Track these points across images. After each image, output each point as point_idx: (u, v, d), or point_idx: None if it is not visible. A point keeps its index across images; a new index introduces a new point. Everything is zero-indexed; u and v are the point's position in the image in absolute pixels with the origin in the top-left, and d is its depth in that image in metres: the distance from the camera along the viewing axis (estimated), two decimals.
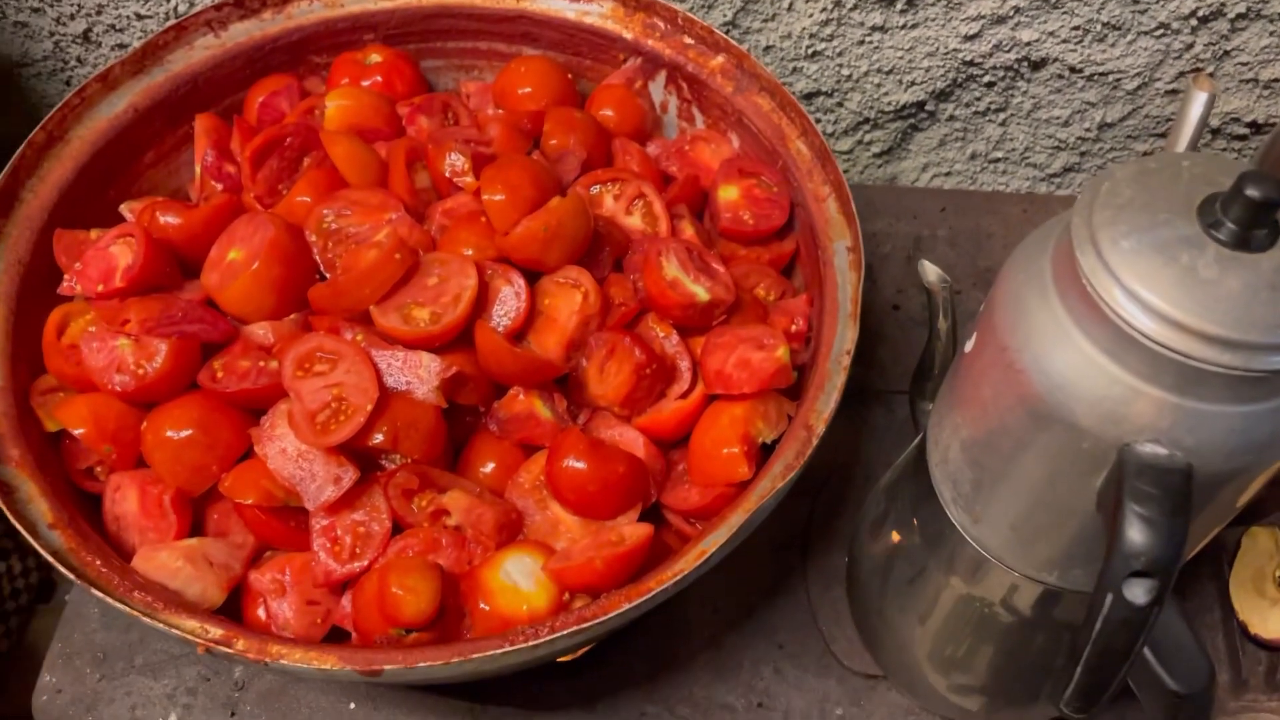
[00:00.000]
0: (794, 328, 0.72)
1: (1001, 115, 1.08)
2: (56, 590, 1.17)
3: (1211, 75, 0.99)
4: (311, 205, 0.72)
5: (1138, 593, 0.44)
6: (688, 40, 0.82)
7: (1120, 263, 0.43)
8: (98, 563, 0.60)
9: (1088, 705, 0.49)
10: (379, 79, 0.82)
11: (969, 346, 0.53)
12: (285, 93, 0.81)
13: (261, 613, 0.63)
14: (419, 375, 0.65)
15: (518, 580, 0.61)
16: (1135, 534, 0.43)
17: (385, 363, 0.65)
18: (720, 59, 0.81)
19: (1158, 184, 0.45)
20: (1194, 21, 0.96)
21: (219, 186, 0.77)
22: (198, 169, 0.79)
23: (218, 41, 0.81)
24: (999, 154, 1.12)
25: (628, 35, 0.83)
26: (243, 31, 0.81)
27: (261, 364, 0.66)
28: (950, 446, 0.56)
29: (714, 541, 0.59)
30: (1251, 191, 0.42)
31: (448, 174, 0.74)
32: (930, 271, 0.66)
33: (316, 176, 0.74)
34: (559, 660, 0.73)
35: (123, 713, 0.73)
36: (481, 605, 0.61)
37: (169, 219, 0.70)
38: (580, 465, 0.64)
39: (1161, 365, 0.43)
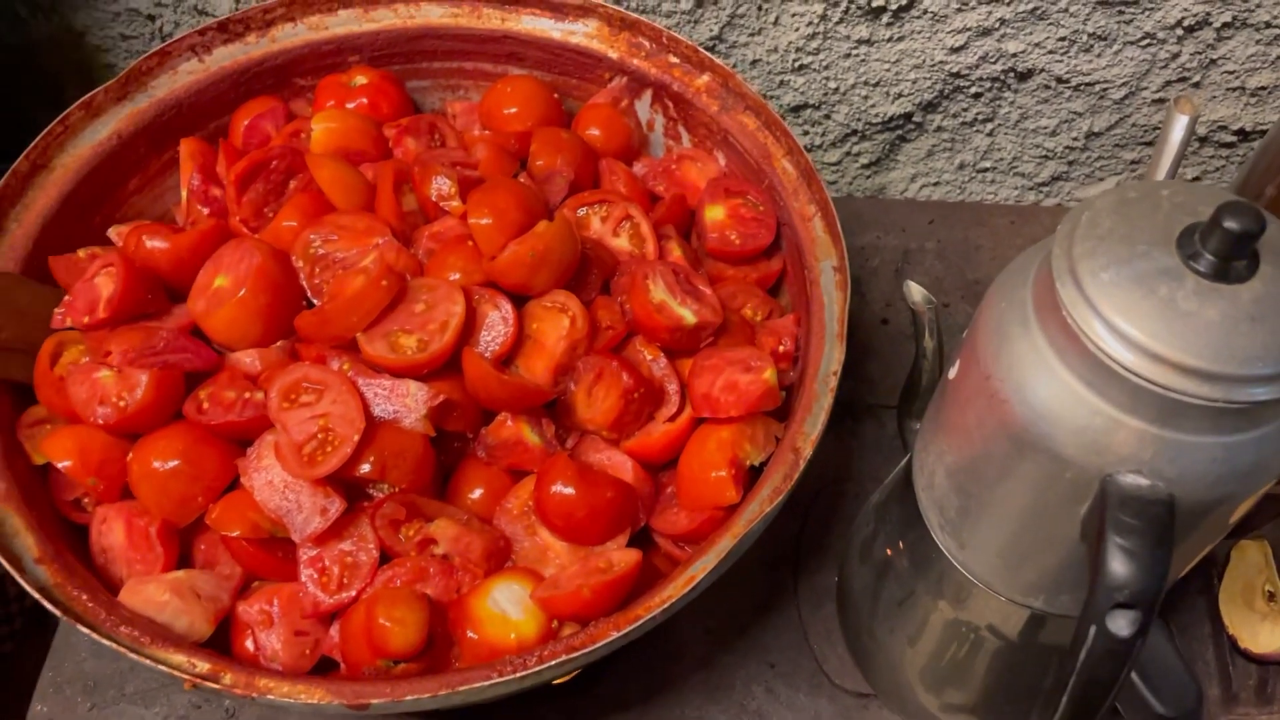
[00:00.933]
0: (781, 348, 0.72)
1: (989, 125, 1.08)
2: (47, 617, 1.17)
3: (1193, 90, 0.99)
4: (298, 230, 0.72)
5: (1121, 624, 0.44)
6: (673, 59, 0.82)
7: (1100, 295, 0.43)
8: (84, 598, 0.59)
9: None
10: (365, 101, 0.82)
11: (953, 373, 0.53)
12: (270, 115, 0.81)
13: (250, 644, 0.63)
14: (406, 404, 0.65)
15: (506, 609, 0.61)
16: (1118, 566, 0.43)
17: (372, 392, 0.65)
18: (706, 78, 0.81)
19: (1137, 214, 0.45)
20: (1180, 31, 0.96)
21: (205, 211, 0.77)
22: (184, 194, 0.79)
23: (202, 66, 0.80)
24: (987, 164, 1.12)
25: (613, 55, 0.83)
26: (227, 55, 0.81)
27: (247, 395, 0.65)
28: (936, 472, 0.56)
29: (702, 567, 0.59)
30: (1229, 224, 0.42)
31: (434, 198, 0.74)
32: (915, 292, 0.66)
33: (303, 200, 0.74)
34: (552, 683, 0.74)
35: None
36: (470, 634, 0.61)
37: (155, 243, 0.70)
38: (568, 491, 0.64)
39: (1142, 397, 0.43)
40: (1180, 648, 0.77)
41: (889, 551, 0.65)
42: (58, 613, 0.58)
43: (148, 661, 0.57)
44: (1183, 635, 0.77)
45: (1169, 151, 0.57)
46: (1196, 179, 1.13)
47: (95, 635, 0.57)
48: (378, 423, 0.64)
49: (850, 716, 0.74)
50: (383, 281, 0.66)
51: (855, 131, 1.09)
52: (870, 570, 0.68)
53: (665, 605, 0.58)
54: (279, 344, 0.69)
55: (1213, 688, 0.75)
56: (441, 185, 0.73)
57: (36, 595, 0.58)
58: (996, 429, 0.49)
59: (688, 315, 0.69)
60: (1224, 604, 0.77)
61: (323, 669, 0.65)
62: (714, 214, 0.78)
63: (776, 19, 0.98)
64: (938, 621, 0.62)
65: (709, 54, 0.80)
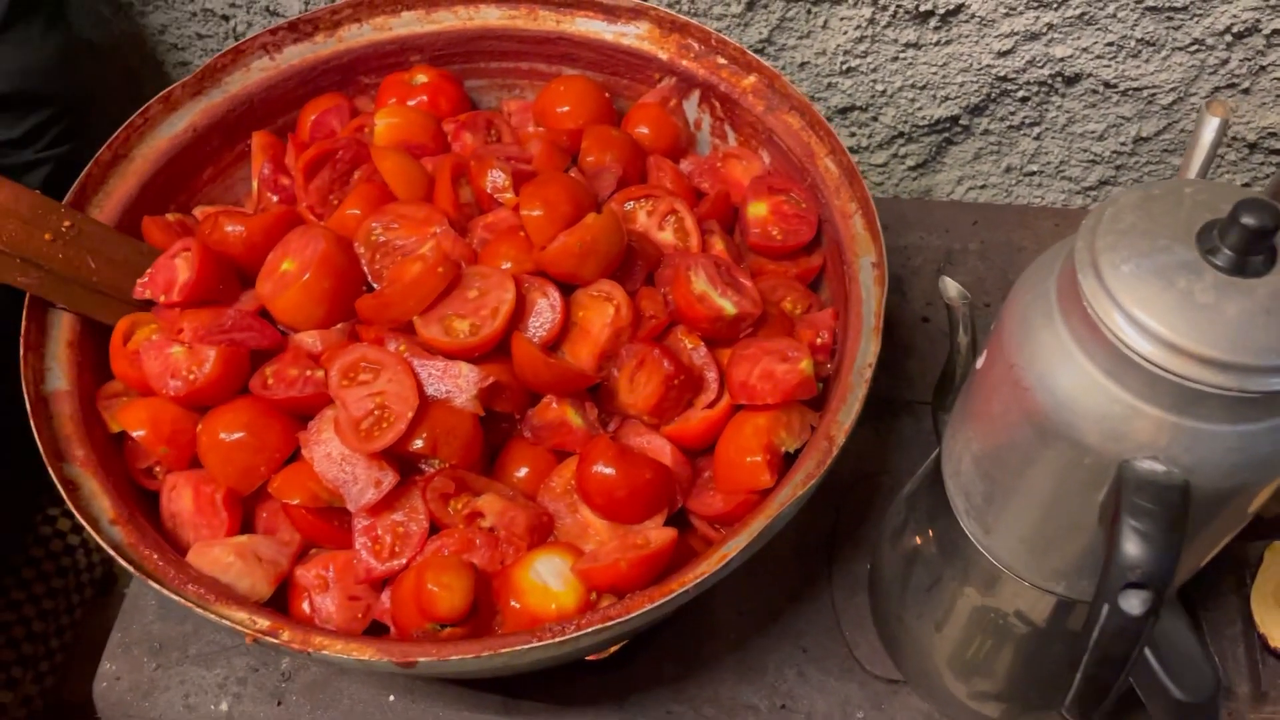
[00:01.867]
0: (819, 340, 0.74)
1: (1036, 129, 1.09)
2: (116, 584, 1.22)
3: (1242, 96, 0.99)
4: (361, 218, 0.76)
5: (1134, 603, 0.46)
6: (721, 61, 0.85)
7: (1120, 287, 0.45)
8: (155, 556, 0.64)
9: (1088, 712, 0.51)
10: (425, 98, 0.86)
11: (980, 363, 0.55)
12: (336, 111, 0.85)
13: (306, 606, 0.67)
14: (458, 384, 0.68)
15: (547, 580, 0.64)
16: (1131, 547, 0.45)
17: (426, 372, 0.68)
18: (752, 79, 0.84)
19: (1159, 210, 0.47)
20: (1229, 38, 0.96)
21: (274, 199, 0.81)
22: (254, 184, 0.83)
23: (273, 63, 0.85)
24: (1034, 167, 1.13)
25: (663, 56, 0.86)
26: (296, 54, 0.85)
27: (309, 373, 0.69)
28: (963, 459, 0.58)
29: (735, 546, 0.62)
30: (1247, 219, 0.43)
31: (489, 190, 0.77)
32: (950, 287, 0.67)
33: (366, 190, 0.78)
34: (590, 659, 0.76)
35: (177, 700, 0.78)
36: (512, 603, 0.64)
37: (231, 227, 0.74)
38: (609, 471, 0.66)
39: (1160, 386, 0.45)
40: (1207, 640, 0.77)
41: (918, 539, 0.67)
42: (131, 569, 0.62)
43: (213, 616, 0.60)
44: (1214, 634, 0.78)
45: (1200, 152, 0.58)
46: (1246, 185, 1.13)
47: (165, 591, 0.61)
48: (430, 401, 0.67)
49: (879, 702, 0.76)
50: (439, 268, 0.69)
51: (902, 134, 1.11)
52: (900, 558, 0.70)
53: (698, 580, 0.60)
54: (339, 326, 0.73)
55: (1242, 686, 0.76)
56: (496, 178, 0.77)
57: (111, 552, 0.62)
58: (1020, 416, 0.51)
59: (728, 306, 0.72)
60: (1255, 604, 0.77)
61: (373, 634, 0.68)
62: (757, 210, 0.80)
63: (825, 22, 1.00)
64: (965, 607, 0.64)
65: (756, 55, 0.83)
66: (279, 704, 0.77)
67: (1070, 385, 0.48)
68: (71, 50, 0.97)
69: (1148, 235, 0.46)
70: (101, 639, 0.82)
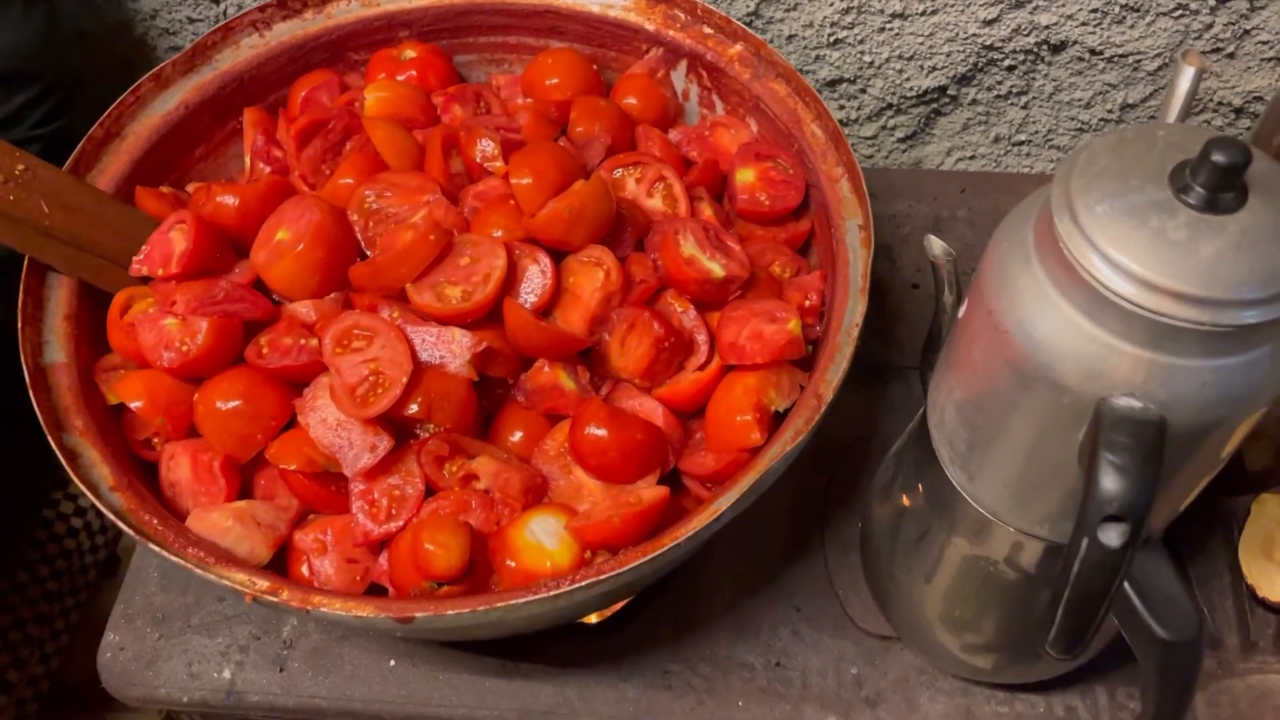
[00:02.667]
0: (808, 303, 0.75)
1: (1023, 98, 1.09)
2: (120, 566, 1.24)
3: (1227, 60, 1.00)
4: (354, 186, 0.76)
5: (1112, 536, 0.47)
6: (707, 30, 0.86)
7: (1095, 227, 0.46)
8: (155, 521, 0.65)
9: (1070, 647, 0.52)
10: (414, 73, 0.87)
11: (962, 312, 0.56)
12: (326, 87, 0.86)
13: (305, 570, 0.68)
14: (451, 350, 0.69)
15: (542, 539, 0.65)
16: (1109, 481, 0.46)
17: (420, 338, 0.69)
18: (738, 47, 0.84)
19: (1132, 153, 0.48)
20: (1212, 2, 0.97)
21: (267, 169, 0.82)
22: (246, 159, 0.84)
23: (262, 41, 0.85)
24: (1022, 137, 1.14)
25: (649, 27, 0.87)
26: (285, 31, 0.86)
27: (303, 341, 0.70)
28: (946, 408, 0.59)
29: (726, 500, 0.63)
30: (1217, 157, 0.44)
31: (479, 159, 0.78)
32: (935, 245, 0.68)
33: (359, 160, 0.79)
34: (589, 621, 0.77)
35: (180, 669, 0.79)
36: (508, 562, 0.65)
37: (224, 199, 0.75)
38: (601, 432, 0.67)
39: (1135, 323, 0.46)
40: (1195, 589, 0.78)
41: (906, 494, 0.68)
42: (132, 534, 0.63)
43: (213, 578, 0.61)
44: (1203, 587, 0.79)
45: (1177, 100, 0.59)
46: None
47: (166, 554, 0.62)
48: (424, 367, 0.68)
49: (873, 658, 0.77)
50: (431, 236, 0.70)
51: (890, 105, 1.12)
52: (890, 513, 0.71)
53: (690, 534, 0.61)
54: (333, 295, 0.74)
55: (1231, 636, 0.77)
56: (486, 147, 0.77)
57: (112, 517, 0.63)
58: (1000, 362, 0.51)
59: (716, 269, 0.73)
60: (1243, 555, 0.78)
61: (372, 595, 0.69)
62: (744, 177, 0.81)
63: None
64: (954, 557, 0.65)
65: (741, 24, 0.84)
66: (281, 670, 0.78)
67: (1048, 327, 0.49)
68: (55, 29, 0.98)
69: (1121, 177, 0.47)
70: (106, 620, 0.83)
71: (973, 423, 0.56)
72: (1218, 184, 0.45)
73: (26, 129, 0.93)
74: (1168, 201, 0.46)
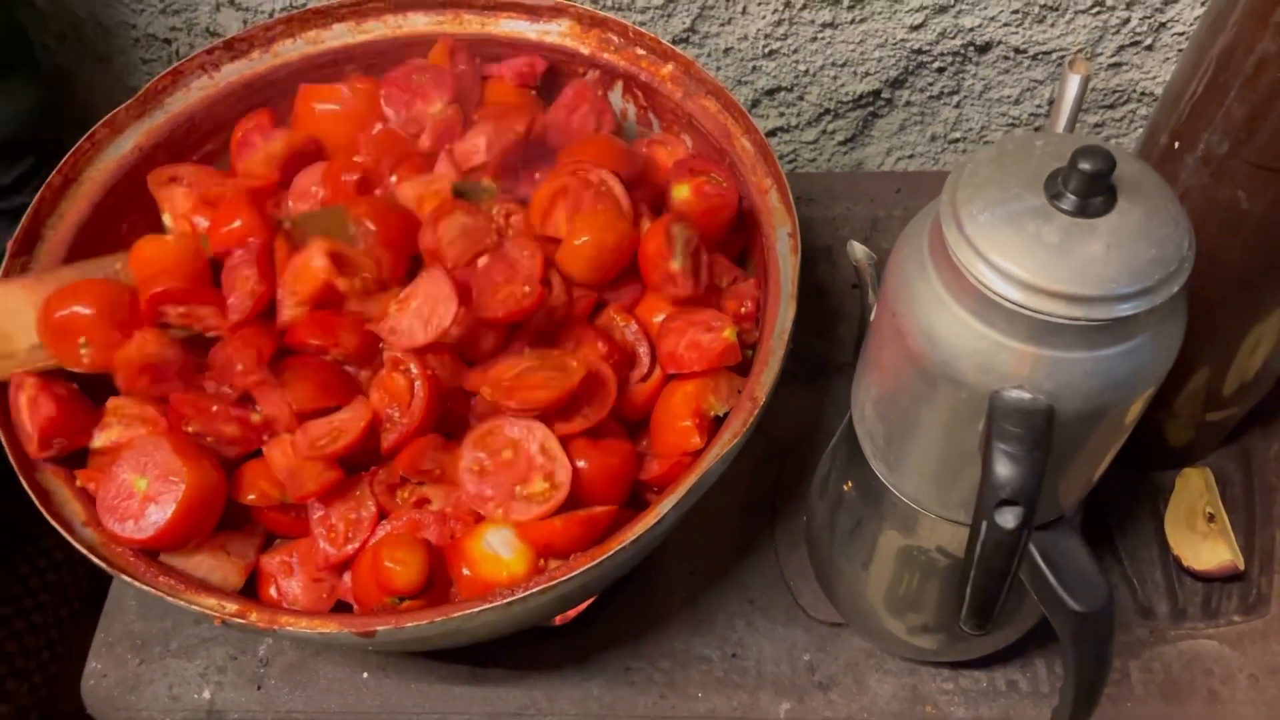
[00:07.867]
0: (744, 310, 0.79)
1: (955, 98, 1.14)
2: (105, 599, 1.26)
3: (1088, 58, 1.04)
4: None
5: (1008, 518, 0.50)
6: (640, 51, 0.89)
7: (978, 235, 0.50)
8: (128, 554, 0.68)
9: (982, 622, 0.56)
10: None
11: (872, 315, 0.60)
12: (259, 129, 0.88)
13: (273, 591, 0.71)
14: None
15: (498, 550, 0.69)
16: (1002, 468, 0.50)
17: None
18: (670, 67, 0.88)
19: (1011, 162, 0.52)
20: None
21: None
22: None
23: (211, 82, 0.88)
24: (957, 134, 1.18)
25: (585, 50, 0.90)
26: (234, 71, 0.89)
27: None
28: (865, 405, 0.63)
29: (669, 504, 0.66)
30: (1084, 165, 0.48)
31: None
32: (857, 249, 0.72)
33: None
34: (553, 625, 0.81)
35: (161, 692, 0.82)
36: (465, 572, 0.68)
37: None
38: (581, 464, 0.71)
39: (1019, 322, 0.49)
40: (1126, 560, 0.83)
41: (840, 486, 0.72)
42: (105, 566, 0.66)
43: (184, 604, 0.65)
44: (1133, 560, 0.83)
45: (1065, 107, 0.63)
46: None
47: (138, 584, 0.65)
48: None
49: (824, 644, 0.81)
50: None
51: (828, 110, 1.16)
52: (827, 505, 0.75)
53: (634, 537, 0.65)
54: None
55: (1162, 605, 0.81)
56: None
57: (85, 552, 0.66)
58: (905, 360, 0.55)
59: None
60: (1169, 527, 0.82)
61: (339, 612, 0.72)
62: (680, 193, 0.85)
63: (744, 8, 1.05)
64: (887, 546, 0.69)
65: (671, 45, 0.87)
66: (258, 688, 0.81)
67: (944, 328, 0.52)
68: (51, 95, 1.02)
69: (1001, 185, 0.51)
70: (88, 648, 0.86)
71: (888, 418, 0.60)
72: (1087, 189, 0.49)
73: (31, 194, 0.96)
74: (1043, 208, 0.50)
